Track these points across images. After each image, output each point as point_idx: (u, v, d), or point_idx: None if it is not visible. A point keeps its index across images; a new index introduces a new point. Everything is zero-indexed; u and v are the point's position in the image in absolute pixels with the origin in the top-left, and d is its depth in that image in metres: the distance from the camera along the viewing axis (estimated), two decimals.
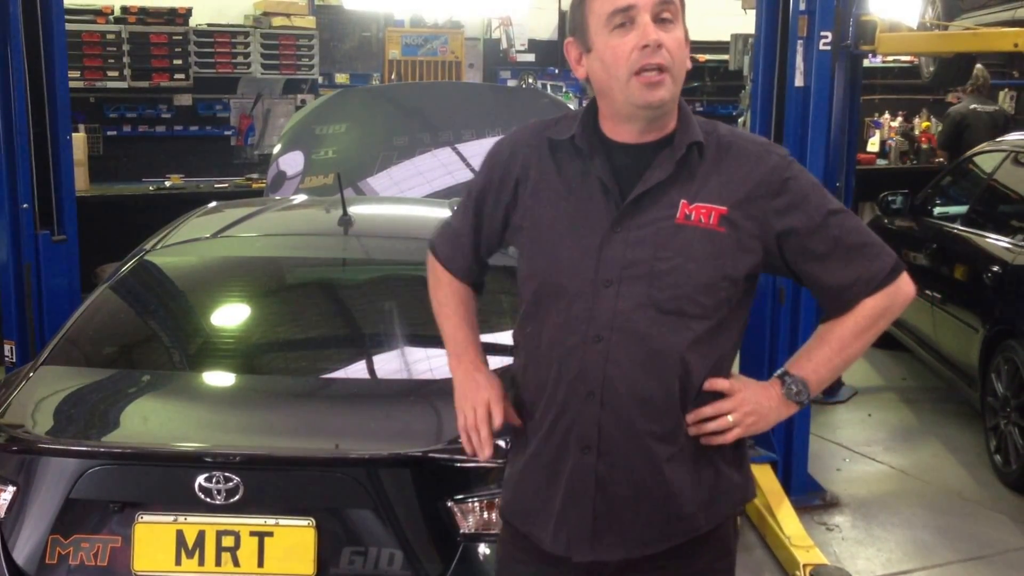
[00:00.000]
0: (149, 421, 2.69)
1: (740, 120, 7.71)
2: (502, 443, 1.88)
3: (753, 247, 1.73)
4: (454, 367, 1.94)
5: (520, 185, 1.81)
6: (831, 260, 1.74)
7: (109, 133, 7.79)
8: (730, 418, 1.73)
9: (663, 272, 1.69)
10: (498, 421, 1.82)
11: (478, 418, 1.82)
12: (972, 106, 7.98)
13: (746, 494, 1.87)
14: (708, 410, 1.73)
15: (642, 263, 1.70)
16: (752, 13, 4.58)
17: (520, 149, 1.83)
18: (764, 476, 4.13)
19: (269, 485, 2.31)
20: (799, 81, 4.12)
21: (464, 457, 2.31)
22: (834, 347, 1.78)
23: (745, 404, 1.74)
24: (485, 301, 2.03)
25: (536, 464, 1.81)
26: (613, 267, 1.70)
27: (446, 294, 1.96)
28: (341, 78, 8.69)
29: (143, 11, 7.65)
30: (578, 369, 1.72)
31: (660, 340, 1.70)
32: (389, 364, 2.94)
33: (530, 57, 9.20)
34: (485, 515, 2.29)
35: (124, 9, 7.65)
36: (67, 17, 4.67)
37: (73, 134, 4.74)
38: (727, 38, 7.68)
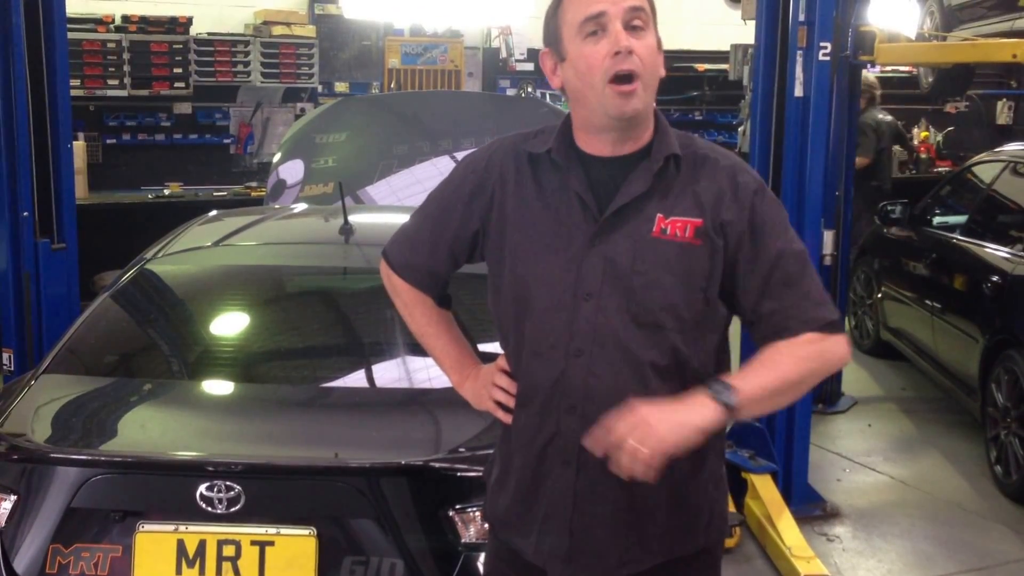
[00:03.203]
0: (150, 430, 2.69)
1: (740, 129, 7.72)
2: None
3: (724, 258, 1.72)
4: (459, 384, 1.95)
5: (496, 197, 1.80)
6: (776, 299, 1.70)
7: (108, 141, 7.79)
8: (629, 441, 1.56)
9: (640, 286, 1.70)
10: (506, 381, 1.82)
11: (496, 394, 1.83)
12: (880, 116, 7.43)
13: (724, 528, 1.85)
14: (598, 449, 1.62)
15: (620, 277, 1.70)
16: (752, 23, 4.59)
17: (496, 161, 1.82)
18: (764, 486, 4.12)
19: (270, 494, 2.31)
20: (798, 91, 4.13)
21: (465, 466, 2.33)
22: (768, 369, 1.67)
23: (637, 421, 1.58)
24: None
25: (519, 475, 1.81)
26: (592, 280, 1.71)
27: (419, 316, 1.95)
28: (341, 87, 8.71)
29: (144, 20, 7.66)
30: (560, 382, 1.72)
31: (641, 353, 1.70)
32: (390, 373, 2.94)
33: (529, 66, 9.21)
34: (486, 524, 2.28)
35: (125, 18, 7.66)
36: (68, 26, 4.67)
37: (72, 142, 4.74)
38: (727, 48, 7.70)
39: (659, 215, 1.71)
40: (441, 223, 1.87)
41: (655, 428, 1.57)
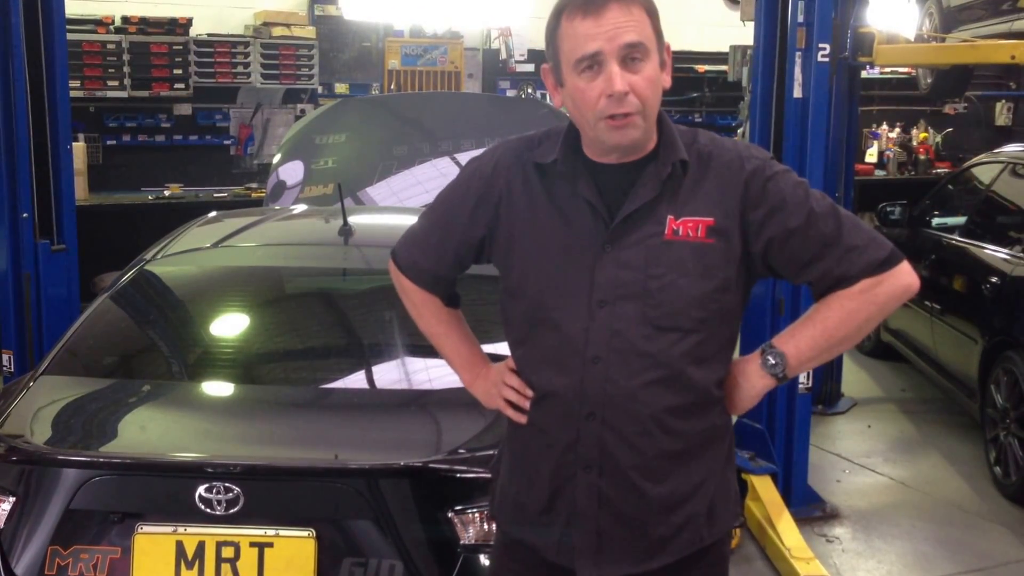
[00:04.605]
0: (149, 431, 2.68)
1: (740, 131, 7.73)
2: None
3: (740, 255, 1.73)
4: (470, 383, 1.95)
5: (502, 203, 1.80)
6: (821, 261, 1.72)
7: (108, 142, 7.80)
8: None
9: (656, 290, 1.70)
10: (517, 381, 1.83)
11: (507, 393, 1.83)
12: None
13: (739, 507, 1.89)
14: None
15: (634, 282, 1.70)
16: (751, 25, 4.60)
17: (502, 167, 1.82)
18: (764, 487, 4.13)
19: (269, 495, 2.31)
20: (797, 92, 4.13)
21: (465, 468, 2.33)
22: (818, 327, 1.75)
23: None
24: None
25: (537, 476, 1.81)
26: (606, 287, 1.71)
27: (429, 317, 1.96)
28: (341, 88, 8.71)
29: (144, 21, 7.67)
30: (578, 391, 1.73)
31: (658, 357, 1.70)
32: (389, 374, 2.94)
33: (529, 67, 9.21)
34: (486, 526, 2.29)
35: (125, 19, 7.67)
36: (68, 27, 4.67)
37: (72, 143, 4.75)
38: (726, 49, 7.71)
39: (670, 217, 1.71)
40: (447, 228, 1.88)
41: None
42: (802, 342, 1.75)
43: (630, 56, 1.65)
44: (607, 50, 1.64)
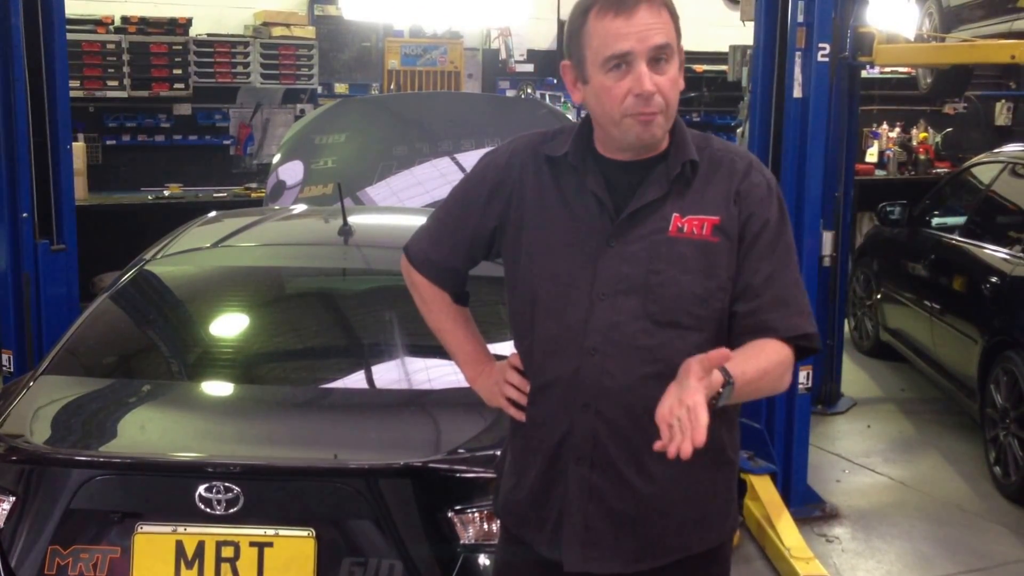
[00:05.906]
0: (149, 431, 2.69)
1: (739, 131, 7.73)
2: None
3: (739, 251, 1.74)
4: (473, 380, 1.97)
5: (514, 195, 1.82)
6: (758, 296, 1.70)
7: (108, 142, 7.79)
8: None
9: (657, 285, 1.71)
10: (518, 379, 1.85)
11: (508, 391, 1.85)
12: None
13: (735, 523, 1.88)
14: (664, 437, 1.52)
15: (636, 276, 1.71)
16: (751, 25, 4.60)
17: (516, 160, 1.84)
18: (764, 487, 4.13)
19: (269, 495, 2.31)
20: (797, 92, 4.14)
21: (465, 468, 2.33)
22: (757, 353, 1.66)
23: (676, 404, 1.51)
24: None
25: (533, 471, 1.82)
26: (608, 281, 1.72)
27: (437, 312, 1.98)
28: (340, 88, 8.70)
29: (143, 21, 7.66)
30: (574, 381, 1.74)
31: (655, 352, 1.71)
32: (389, 374, 2.94)
33: (529, 67, 9.21)
34: (485, 525, 2.29)
35: (125, 19, 7.67)
36: (68, 27, 4.67)
37: (72, 143, 4.75)
38: (726, 49, 7.71)
39: (675, 214, 1.73)
40: (461, 220, 1.90)
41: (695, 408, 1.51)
42: (744, 367, 1.61)
43: (657, 57, 1.68)
44: (638, 50, 1.67)
